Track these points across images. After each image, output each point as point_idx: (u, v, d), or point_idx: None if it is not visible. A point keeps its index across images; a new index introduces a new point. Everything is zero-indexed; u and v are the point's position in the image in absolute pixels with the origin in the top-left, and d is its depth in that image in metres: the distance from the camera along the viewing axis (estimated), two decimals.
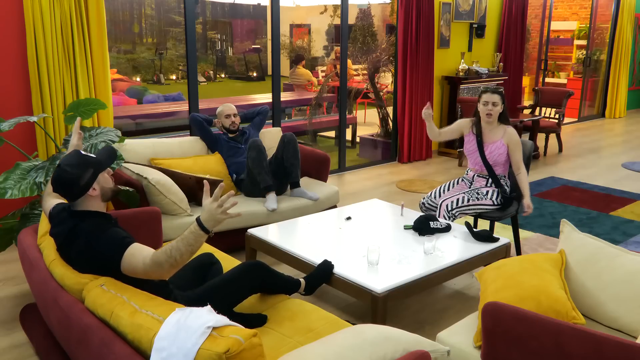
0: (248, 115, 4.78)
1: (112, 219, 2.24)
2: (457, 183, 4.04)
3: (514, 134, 3.86)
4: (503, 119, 3.88)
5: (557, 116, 7.72)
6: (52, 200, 2.45)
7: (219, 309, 1.87)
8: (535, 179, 6.33)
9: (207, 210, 1.94)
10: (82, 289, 2.06)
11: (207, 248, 3.12)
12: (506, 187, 3.89)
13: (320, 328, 2.35)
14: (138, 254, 2.00)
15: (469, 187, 3.96)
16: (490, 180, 3.90)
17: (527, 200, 3.85)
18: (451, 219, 3.74)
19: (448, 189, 4.00)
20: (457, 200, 3.75)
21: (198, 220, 1.94)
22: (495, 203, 3.82)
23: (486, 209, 3.81)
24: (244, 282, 2.50)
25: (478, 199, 3.79)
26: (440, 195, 3.95)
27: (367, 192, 5.81)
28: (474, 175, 3.99)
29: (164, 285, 2.28)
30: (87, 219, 2.14)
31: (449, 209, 3.73)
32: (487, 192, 3.83)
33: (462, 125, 4.05)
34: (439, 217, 3.73)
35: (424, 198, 4.02)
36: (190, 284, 2.57)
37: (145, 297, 1.94)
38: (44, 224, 2.54)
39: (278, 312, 2.53)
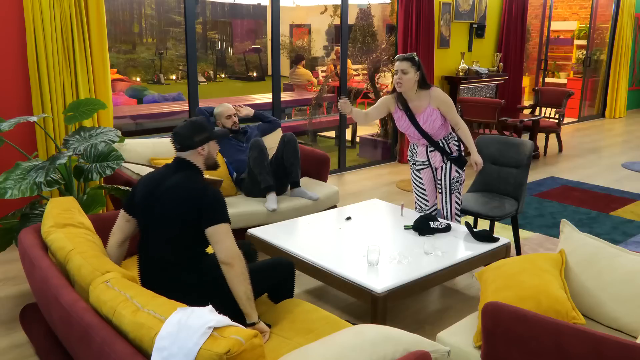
0: (262, 117, 4.78)
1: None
2: (422, 178, 3.85)
3: (440, 95, 3.60)
4: (422, 84, 3.58)
5: (557, 116, 7.72)
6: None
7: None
8: (535, 179, 6.33)
9: None
10: (96, 278, 2.08)
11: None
12: (455, 147, 3.71)
13: (320, 328, 2.35)
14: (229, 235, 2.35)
15: (435, 173, 3.82)
16: (442, 154, 3.72)
17: (474, 157, 3.70)
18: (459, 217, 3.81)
19: (426, 190, 3.87)
20: (456, 203, 3.76)
21: None
22: (460, 172, 3.73)
23: (462, 180, 3.78)
24: (271, 274, 2.65)
25: (459, 183, 3.74)
26: (429, 199, 3.89)
27: (367, 192, 5.81)
28: (425, 151, 3.76)
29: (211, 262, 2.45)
30: (193, 169, 2.45)
31: (459, 215, 3.78)
32: (454, 176, 3.71)
33: (386, 102, 3.73)
34: (451, 221, 3.76)
35: (422, 210, 3.91)
36: None
37: (149, 296, 1.94)
38: (48, 220, 2.55)
39: (278, 313, 2.54)
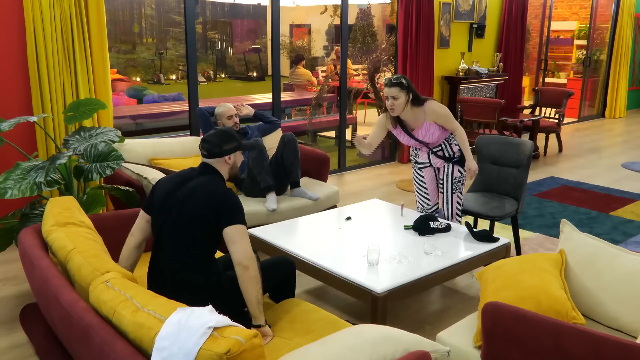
0: (263, 117, 4.76)
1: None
2: (424, 177, 3.87)
3: (435, 109, 3.57)
4: (416, 103, 3.55)
5: (557, 116, 7.72)
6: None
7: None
8: (535, 179, 6.33)
9: None
10: (96, 278, 2.08)
11: None
12: (457, 148, 3.72)
13: (320, 329, 2.35)
14: (246, 237, 2.38)
15: (437, 173, 3.85)
16: (445, 160, 3.76)
17: (468, 163, 3.68)
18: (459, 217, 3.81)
19: (428, 189, 3.90)
20: (457, 203, 3.77)
21: None
22: (463, 172, 3.74)
23: (464, 180, 3.78)
24: (273, 272, 2.65)
25: (461, 183, 3.75)
26: (430, 199, 3.91)
27: (367, 192, 5.81)
28: (427, 154, 3.79)
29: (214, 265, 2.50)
30: (216, 175, 2.50)
31: (459, 214, 3.78)
32: (456, 176, 3.73)
33: (383, 123, 3.74)
34: (452, 220, 3.77)
35: (424, 209, 3.93)
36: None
37: (149, 296, 1.94)
38: (49, 219, 2.55)
39: (277, 313, 2.53)
